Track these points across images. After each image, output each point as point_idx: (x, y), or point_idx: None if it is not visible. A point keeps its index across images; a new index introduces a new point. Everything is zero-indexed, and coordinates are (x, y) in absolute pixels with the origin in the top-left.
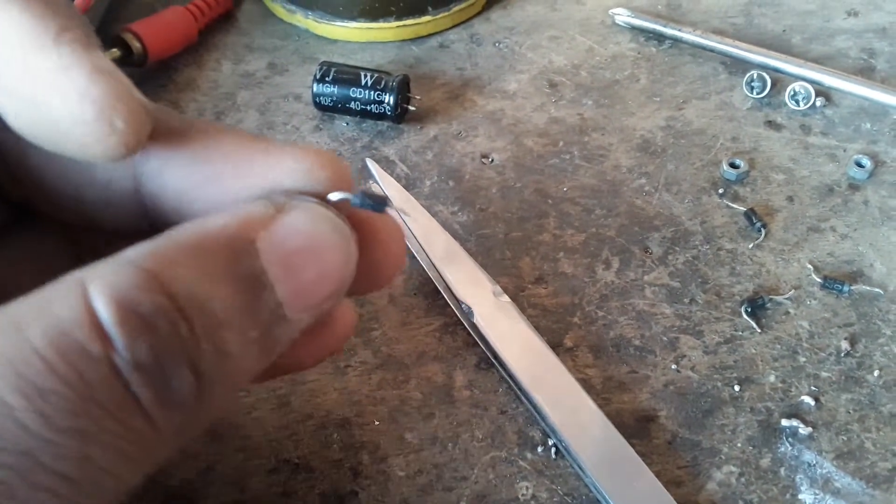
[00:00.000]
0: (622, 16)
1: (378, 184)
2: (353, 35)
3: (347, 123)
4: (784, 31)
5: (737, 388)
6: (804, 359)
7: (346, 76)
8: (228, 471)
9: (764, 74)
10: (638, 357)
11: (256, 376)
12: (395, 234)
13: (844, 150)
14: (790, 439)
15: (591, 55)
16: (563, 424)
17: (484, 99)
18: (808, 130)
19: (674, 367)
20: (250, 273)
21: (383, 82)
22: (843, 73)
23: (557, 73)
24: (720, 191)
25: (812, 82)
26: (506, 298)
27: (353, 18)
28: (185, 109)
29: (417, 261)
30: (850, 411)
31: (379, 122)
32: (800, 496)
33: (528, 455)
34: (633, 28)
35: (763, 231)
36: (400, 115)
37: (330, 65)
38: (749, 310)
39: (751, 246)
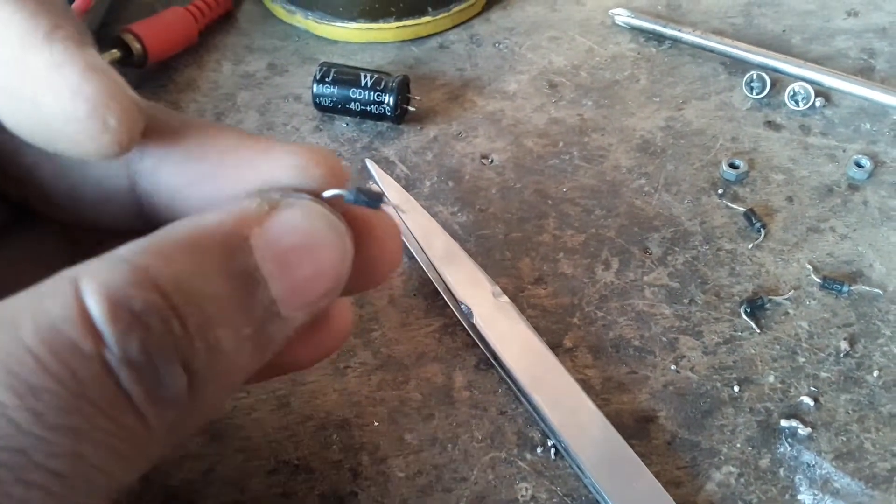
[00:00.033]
0: (622, 16)
1: (378, 184)
2: (352, 36)
3: (347, 124)
4: (784, 31)
5: (736, 388)
6: (803, 359)
7: (346, 77)
8: (228, 471)
9: (763, 75)
10: (637, 358)
11: (253, 376)
12: (391, 231)
13: (844, 151)
14: (789, 440)
15: (590, 56)
16: (562, 425)
17: (484, 99)
18: (807, 131)
19: (673, 367)
20: (244, 270)
21: (383, 83)
22: (842, 73)
23: (557, 74)
24: (720, 191)
25: (812, 82)
26: (505, 299)
27: (352, 19)
28: (185, 110)
29: (417, 261)
30: (850, 412)
31: (379, 123)
32: (799, 497)
33: (528, 456)
34: (633, 28)
35: (762, 231)
36: (400, 116)
37: (330, 65)
38: (748, 310)
39: (750, 246)
